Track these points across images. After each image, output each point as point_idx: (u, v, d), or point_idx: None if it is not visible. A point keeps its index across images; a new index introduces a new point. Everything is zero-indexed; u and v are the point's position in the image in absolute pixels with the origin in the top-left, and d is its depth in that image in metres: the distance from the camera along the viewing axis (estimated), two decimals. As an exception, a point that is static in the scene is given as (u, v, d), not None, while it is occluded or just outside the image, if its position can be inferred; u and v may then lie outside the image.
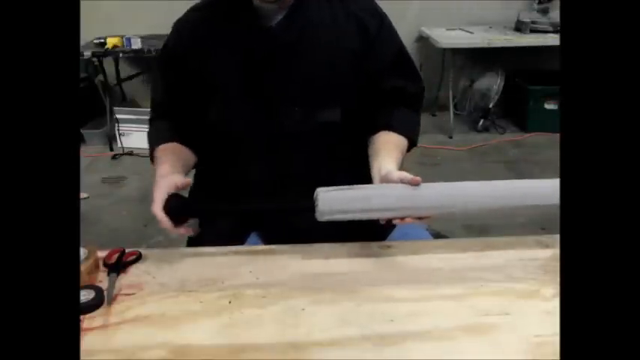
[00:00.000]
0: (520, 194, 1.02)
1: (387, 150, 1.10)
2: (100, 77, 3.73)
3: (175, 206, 0.99)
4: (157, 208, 0.98)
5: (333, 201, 0.95)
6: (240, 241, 1.16)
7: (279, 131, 1.13)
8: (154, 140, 1.19)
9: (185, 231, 1.01)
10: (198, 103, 1.15)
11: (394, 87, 1.18)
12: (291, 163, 1.15)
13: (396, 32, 1.20)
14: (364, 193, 0.97)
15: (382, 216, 0.97)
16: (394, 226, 1.22)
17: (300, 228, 1.13)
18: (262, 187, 1.17)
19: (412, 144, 1.19)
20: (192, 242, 1.20)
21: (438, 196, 0.98)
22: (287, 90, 1.12)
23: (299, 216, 1.04)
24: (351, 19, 1.14)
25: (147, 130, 1.25)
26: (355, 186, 0.97)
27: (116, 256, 1.02)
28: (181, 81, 1.16)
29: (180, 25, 1.18)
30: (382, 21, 1.16)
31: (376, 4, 1.19)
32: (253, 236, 1.20)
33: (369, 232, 1.11)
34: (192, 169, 1.22)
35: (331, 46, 1.12)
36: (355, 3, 1.16)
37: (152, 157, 1.18)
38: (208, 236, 1.15)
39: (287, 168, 1.15)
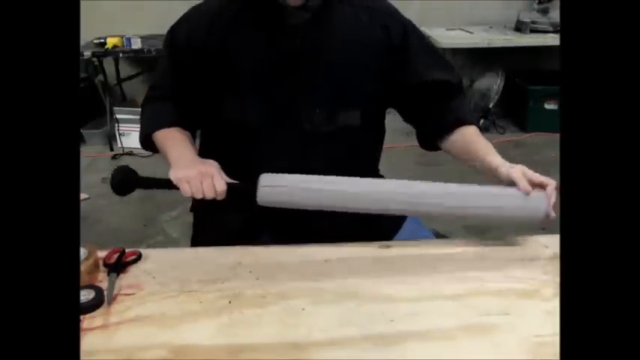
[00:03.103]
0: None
1: (486, 147, 1.14)
2: (100, 77, 3.72)
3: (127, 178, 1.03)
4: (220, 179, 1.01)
5: (275, 186, 1.01)
6: (250, 240, 1.16)
7: (299, 132, 1.13)
8: (157, 119, 1.18)
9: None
10: (211, 95, 1.14)
11: (438, 80, 1.19)
12: (309, 164, 1.14)
13: (421, 32, 1.21)
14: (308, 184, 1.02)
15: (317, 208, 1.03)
16: (399, 226, 1.22)
17: (310, 227, 1.13)
18: None
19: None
20: (199, 242, 1.20)
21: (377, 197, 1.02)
22: (308, 91, 1.12)
23: (308, 214, 1.08)
24: (375, 23, 1.15)
25: (142, 104, 1.24)
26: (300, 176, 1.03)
27: (116, 256, 1.02)
28: (195, 71, 1.15)
29: (200, 17, 1.15)
30: (404, 24, 1.17)
31: (395, 8, 1.20)
32: (262, 236, 1.20)
33: (376, 232, 1.11)
34: None
35: (354, 50, 1.13)
36: (378, 7, 1.17)
37: (149, 133, 1.18)
38: (219, 235, 1.15)
39: (304, 169, 1.15)
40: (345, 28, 1.13)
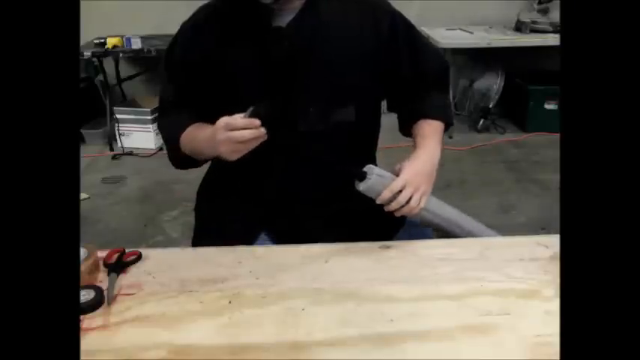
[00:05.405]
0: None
1: (421, 141, 1.17)
2: (100, 77, 3.73)
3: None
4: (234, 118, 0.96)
5: (377, 183, 1.06)
6: (250, 241, 1.16)
7: (295, 131, 1.13)
8: (178, 127, 1.17)
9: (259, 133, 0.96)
10: (213, 104, 1.15)
11: (416, 73, 1.21)
12: (306, 162, 1.15)
13: (410, 23, 1.22)
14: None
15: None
16: (401, 226, 1.23)
17: (309, 228, 1.13)
18: (276, 185, 1.17)
19: (449, 124, 1.26)
20: (200, 242, 1.20)
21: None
22: (301, 91, 1.12)
23: (308, 215, 1.14)
24: (364, 17, 1.15)
25: (157, 124, 1.26)
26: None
27: (116, 256, 1.02)
28: (195, 84, 1.16)
29: (190, 29, 1.17)
30: (393, 15, 1.18)
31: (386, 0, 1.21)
32: (262, 237, 1.20)
33: (377, 233, 1.11)
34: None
35: (344, 46, 1.13)
36: (365, 0, 1.17)
37: (175, 144, 1.17)
38: (219, 236, 1.15)
39: (301, 167, 1.15)
40: (334, 25, 1.13)
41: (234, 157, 0.99)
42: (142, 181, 3.20)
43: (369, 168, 1.08)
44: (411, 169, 1.08)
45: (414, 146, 1.17)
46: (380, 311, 0.88)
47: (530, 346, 0.81)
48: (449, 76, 1.31)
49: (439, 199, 1.17)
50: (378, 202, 1.06)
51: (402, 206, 1.06)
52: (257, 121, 0.95)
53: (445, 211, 1.16)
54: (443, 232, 1.15)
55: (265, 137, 0.97)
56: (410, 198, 1.06)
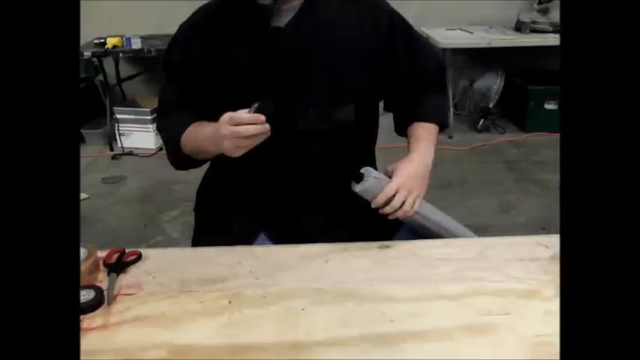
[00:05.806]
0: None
1: (414, 144, 1.18)
2: (100, 77, 3.73)
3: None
4: (238, 113, 0.96)
5: (374, 186, 1.07)
6: (250, 241, 1.16)
7: (295, 131, 1.13)
8: (179, 127, 1.17)
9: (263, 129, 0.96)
10: (213, 104, 1.15)
11: (414, 73, 1.21)
12: (306, 161, 1.15)
13: (408, 22, 1.23)
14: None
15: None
16: (400, 226, 1.23)
17: (308, 228, 1.13)
18: (276, 184, 1.17)
19: (445, 125, 1.27)
20: (201, 242, 1.20)
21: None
22: (301, 90, 1.13)
23: (308, 214, 1.14)
24: (363, 16, 1.15)
25: (157, 125, 1.26)
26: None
27: (116, 256, 1.02)
28: (195, 84, 1.16)
29: (188, 29, 1.18)
30: (392, 14, 1.19)
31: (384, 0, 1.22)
32: (262, 237, 1.20)
33: (376, 234, 1.11)
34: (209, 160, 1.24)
35: (343, 45, 1.14)
36: (365, 0, 1.17)
37: (177, 144, 1.17)
38: (218, 236, 1.15)
39: (301, 167, 1.15)
40: (333, 25, 1.14)
41: (238, 152, 0.99)
42: (141, 181, 3.20)
43: (366, 170, 1.08)
44: (404, 172, 1.09)
45: (408, 149, 1.18)
46: (380, 311, 0.88)
47: (530, 346, 0.81)
48: (446, 76, 1.31)
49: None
50: (373, 205, 1.07)
51: (396, 210, 1.07)
52: (262, 117, 0.95)
53: (435, 215, 1.17)
54: (430, 234, 1.16)
55: (269, 134, 0.97)
56: (404, 201, 1.07)
